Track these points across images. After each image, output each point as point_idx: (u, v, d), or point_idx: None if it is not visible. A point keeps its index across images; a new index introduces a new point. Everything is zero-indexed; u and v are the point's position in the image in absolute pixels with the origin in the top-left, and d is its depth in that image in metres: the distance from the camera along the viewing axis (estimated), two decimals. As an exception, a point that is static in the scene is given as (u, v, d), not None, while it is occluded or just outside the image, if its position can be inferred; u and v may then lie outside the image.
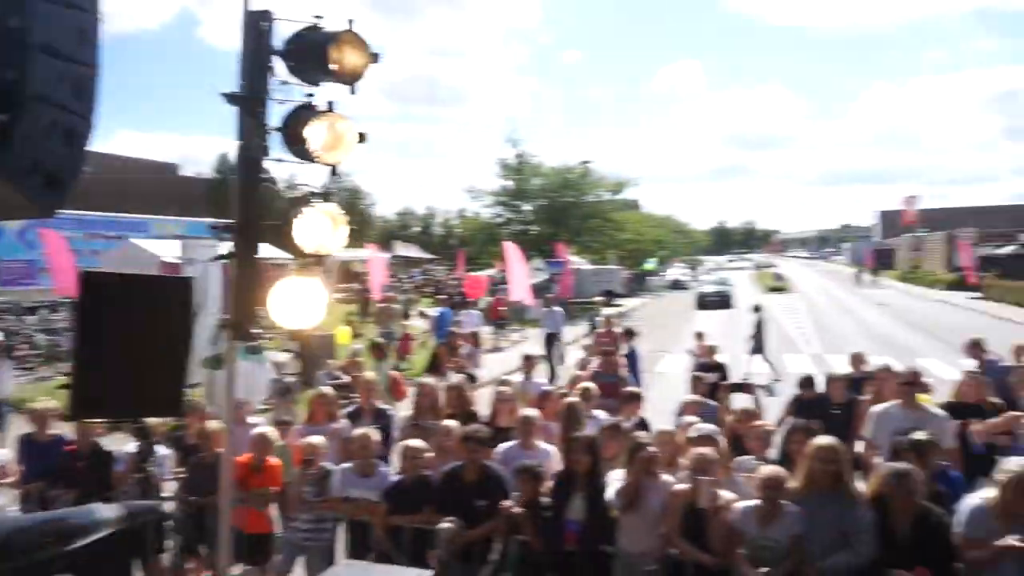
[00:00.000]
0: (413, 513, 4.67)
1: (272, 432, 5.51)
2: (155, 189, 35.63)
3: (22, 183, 3.72)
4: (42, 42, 3.63)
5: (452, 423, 5.36)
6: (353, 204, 65.01)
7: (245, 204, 3.33)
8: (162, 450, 5.67)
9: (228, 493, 3.32)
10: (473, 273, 25.87)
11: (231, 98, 3.51)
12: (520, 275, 20.62)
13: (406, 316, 23.52)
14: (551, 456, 5.00)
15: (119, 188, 29.22)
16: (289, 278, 3.17)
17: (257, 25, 3.50)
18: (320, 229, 3.33)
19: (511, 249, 21.88)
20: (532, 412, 5.45)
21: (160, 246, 21.60)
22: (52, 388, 11.73)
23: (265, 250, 3.39)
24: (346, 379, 10.87)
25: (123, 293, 3.37)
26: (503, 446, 5.30)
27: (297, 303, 3.28)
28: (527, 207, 34.72)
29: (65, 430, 5.88)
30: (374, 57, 3.36)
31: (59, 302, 18.09)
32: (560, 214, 33.46)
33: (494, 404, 6.16)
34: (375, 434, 5.15)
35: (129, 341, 3.24)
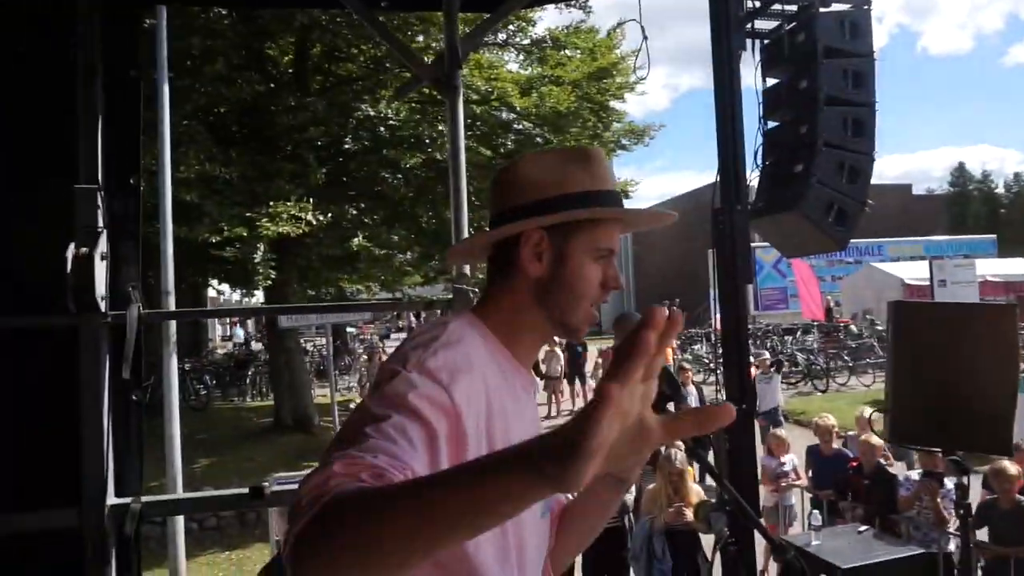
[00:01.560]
0: None
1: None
2: (889, 211, 35.32)
3: (817, 221, 4.15)
4: (828, 95, 4.00)
5: None
6: None
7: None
8: (948, 482, 5.38)
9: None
10: None
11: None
12: None
13: None
14: None
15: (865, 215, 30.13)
16: None
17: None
18: None
19: None
20: None
21: (900, 268, 21.22)
22: (821, 403, 12.81)
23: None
24: None
25: (937, 321, 3.33)
26: None
27: None
28: None
29: (847, 446, 6.28)
30: None
31: (809, 324, 19.82)
32: None
33: None
34: None
35: (947, 369, 3.16)
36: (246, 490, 2.69)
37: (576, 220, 1.14)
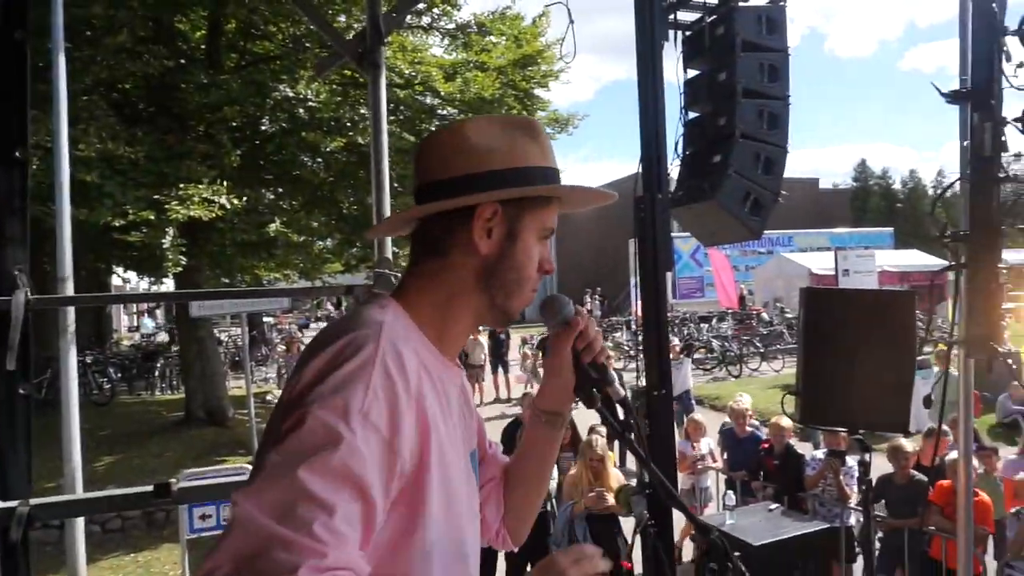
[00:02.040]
0: None
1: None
2: (798, 204, 37.00)
3: (734, 210, 4.27)
4: (745, 88, 4.12)
5: None
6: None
7: (980, 208, 3.02)
8: (850, 460, 5.68)
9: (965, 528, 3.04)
10: None
11: (955, 95, 3.27)
12: None
13: None
14: None
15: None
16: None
17: (987, 9, 3.17)
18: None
19: None
20: None
21: (808, 258, 22.28)
22: (735, 388, 13.34)
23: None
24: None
25: (844, 308, 3.48)
26: None
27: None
28: None
29: (761, 428, 6.55)
30: None
31: (724, 312, 20.58)
32: None
33: None
34: None
35: (852, 354, 3.31)
36: (150, 488, 2.52)
37: (530, 196, 1.07)
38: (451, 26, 12.13)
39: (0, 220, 2.28)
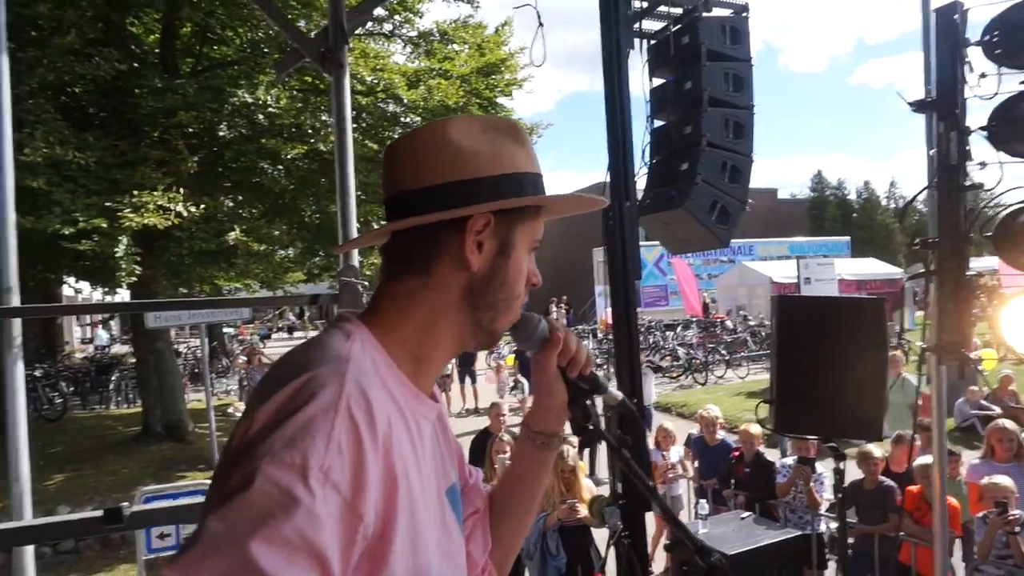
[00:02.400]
0: None
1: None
2: (758, 213, 37.67)
3: (702, 218, 4.25)
4: (711, 96, 4.12)
5: None
6: None
7: (947, 215, 3.04)
8: (820, 467, 5.70)
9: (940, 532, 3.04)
10: None
11: (921, 105, 3.29)
12: None
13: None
14: None
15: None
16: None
17: (949, 21, 3.20)
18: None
19: None
20: None
21: (769, 267, 22.63)
22: (701, 395, 13.40)
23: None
24: (996, 410, 9.36)
25: (815, 316, 3.46)
26: None
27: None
28: None
29: (730, 436, 6.55)
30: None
31: (688, 320, 20.77)
32: None
33: None
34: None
35: (825, 362, 3.30)
36: (100, 512, 2.35)
37: (523, 207, 0.98)
38: (413, 34, 12.03)
39: (-69, 228, 2.11)
